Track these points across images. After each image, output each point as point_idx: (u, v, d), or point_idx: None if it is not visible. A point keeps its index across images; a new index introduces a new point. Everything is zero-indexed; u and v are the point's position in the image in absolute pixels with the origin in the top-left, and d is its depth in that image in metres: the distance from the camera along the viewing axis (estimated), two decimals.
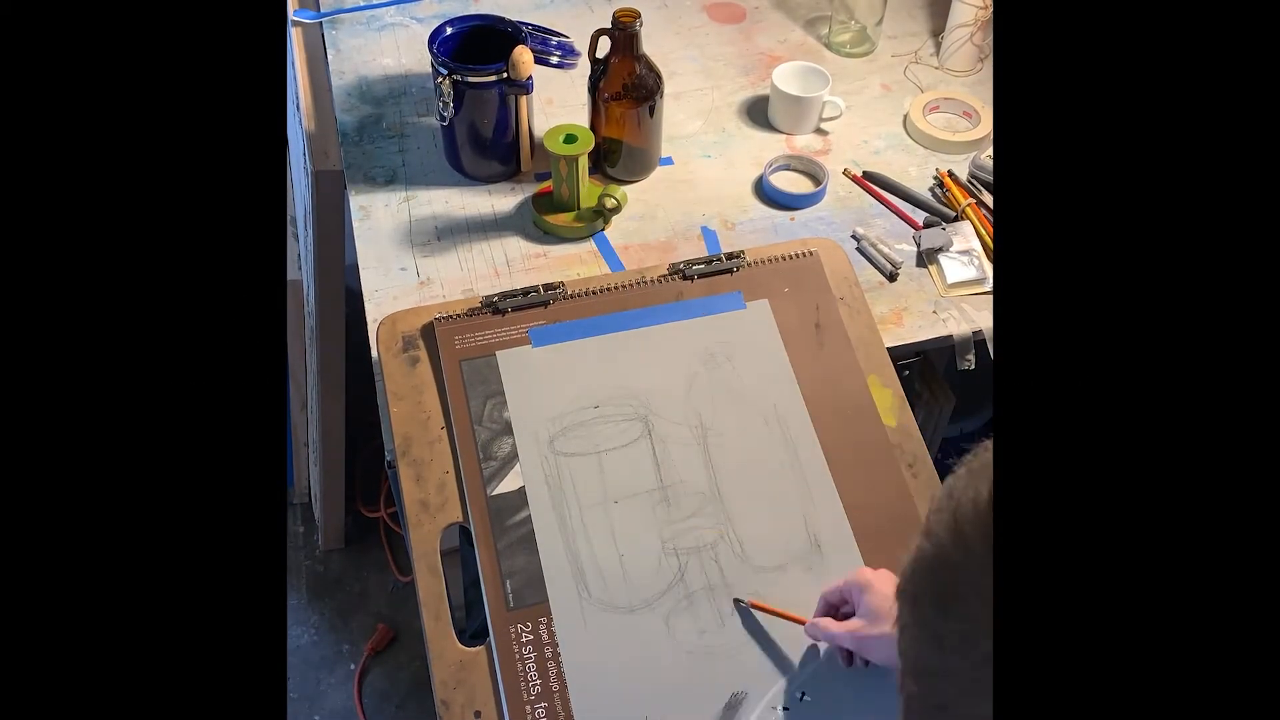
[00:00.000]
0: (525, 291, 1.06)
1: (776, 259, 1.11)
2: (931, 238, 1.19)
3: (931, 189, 1.27)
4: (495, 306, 1.05)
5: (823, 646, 0.91)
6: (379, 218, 1.20)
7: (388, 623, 1.76)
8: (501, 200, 1.23)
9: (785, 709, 0.89)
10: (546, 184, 1.21)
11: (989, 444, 0.51)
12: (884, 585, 0.85)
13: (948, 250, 1.17)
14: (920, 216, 1.24)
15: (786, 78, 1.32)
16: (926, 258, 1.18)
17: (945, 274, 1.16)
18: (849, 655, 0.89)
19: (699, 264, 1.09)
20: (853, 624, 0.86)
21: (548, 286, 1.07)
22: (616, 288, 1.08)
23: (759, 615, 0.92)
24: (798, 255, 1.11)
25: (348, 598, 1.81)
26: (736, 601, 0.92)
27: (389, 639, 1.75)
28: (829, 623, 0.88)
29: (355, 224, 1.20)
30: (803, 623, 0.90)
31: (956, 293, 1.16)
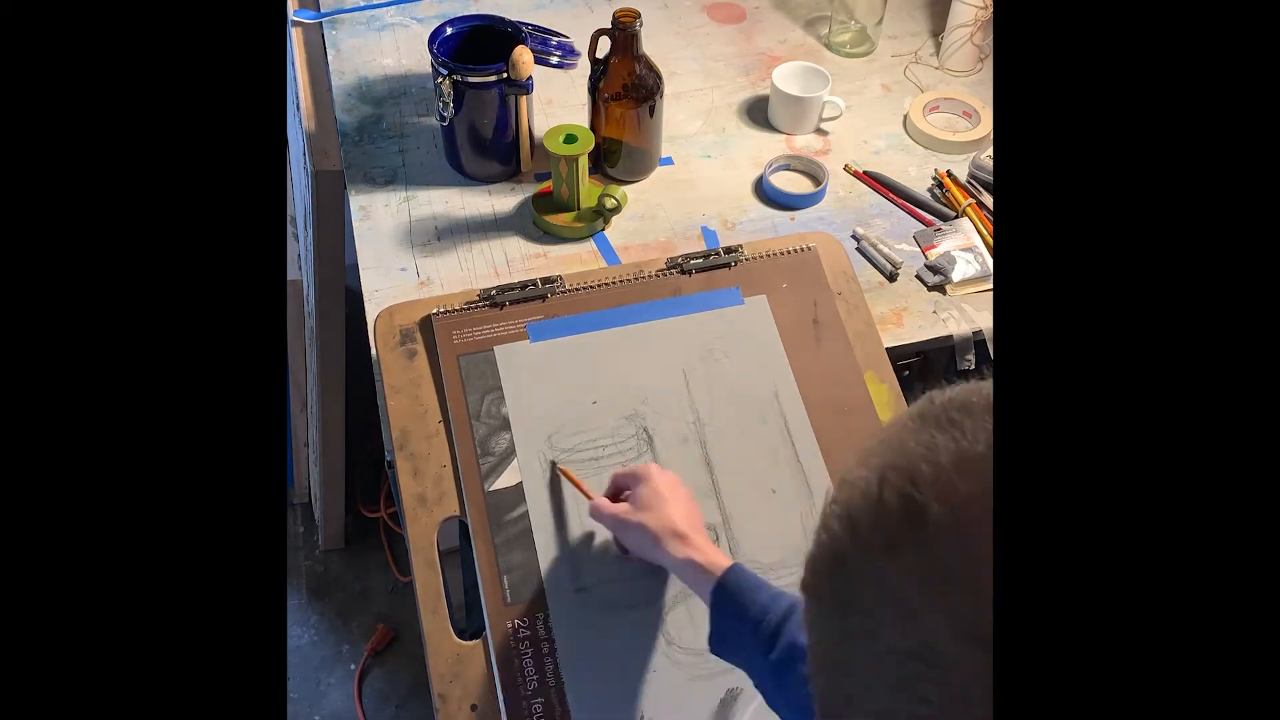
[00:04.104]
0: (523, 285, 1.06)
1: (774, 254, 1.11)
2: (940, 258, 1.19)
3: (931, 189, 1.27)
4: (493, 300, 1.05)
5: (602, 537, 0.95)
6: (379, 218, 1.20)
7: (388, 623, 1.76)
8: (501, 200, 1.23)
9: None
10: (546, 184, 1.21)
11: (877, 433, 0.50)
12: (662, 482, 0.89)
13: (950, 270, 1.17)
14: (920, 216, 1.24)
15: (786, 78, 1.32)
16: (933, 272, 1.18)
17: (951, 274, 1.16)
18: (620, 549, 0.93)
19: (697, 258, 1.10)
20: (619, 508, 0.89)
21: (545, 280, 1.07)
22: (614, 282, 1.08)
23: (566, 483, 0.96)
24: (796, 250, 1.11)
25: (348, 598, 1.81)
26: (553, 464, 0.98)
27: (389, 639, 1.75)
28: (603, 503, 0.91)
29: (355, 224, 1.20)
30: (591, 498, 0.94)
31: (959, 291, 1.16)
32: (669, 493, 0.88)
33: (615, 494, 0.93)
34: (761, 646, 0.78)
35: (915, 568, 0.45)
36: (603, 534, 0.95)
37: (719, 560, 0.83)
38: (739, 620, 0.80)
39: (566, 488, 0.96)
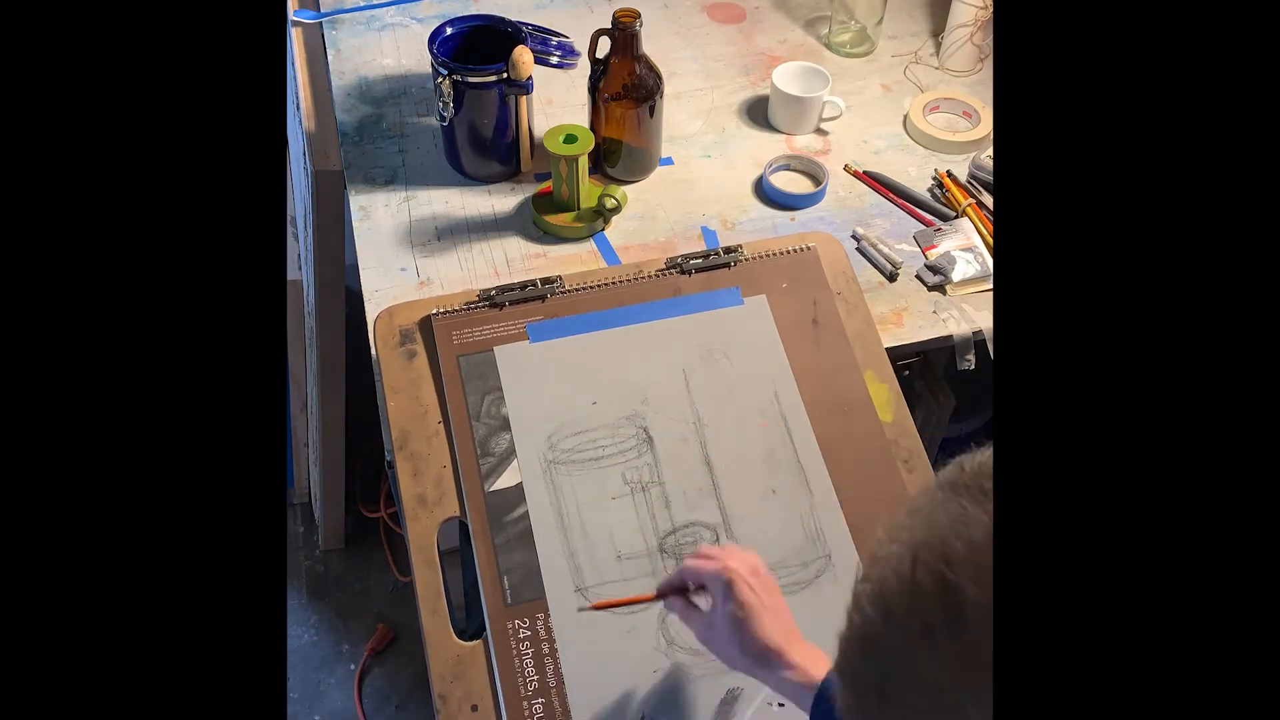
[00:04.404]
0: (523, 285, 1.06)
1: (774, 254, 1.11)
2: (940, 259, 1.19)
3: (931, 189, 1.27)
4: (493, 300, 1.05)
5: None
6: (379, 218, 1.20)
7: (388, 623, 1.76)
8: (501, 200, 1.23)
9: (780, 705, 0.89)
10: (546, 184, 1.21)
11: (908, 503, 0.48)
12: (746, 590, 0.78)
13: (950, 270, 1.17)
14: (920, 216, 1.24)
15: (786, 78, 1.32)
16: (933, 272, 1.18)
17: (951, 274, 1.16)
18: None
19: (696, 258, 1.10)
20: (704, 619, 0.80)
21: (545, 281, 1.07)
22: (614, 282, 1.08)
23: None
24: (795, 250, 1.11)
25: (348, 598, 1.81)
26: (580, 609, 0.91)
27: (389, 639, 1.75)
28: (681, 604, 0.82)
29: (355, 224, 1.20)
30: (650, 599, 0.85)
31: (959, 291, 1.16)
32: (758, 598, 0.78)
33: (680, 586, 0.83)
34: None
35: (955, 658, 0.43)
36: (601, 532, 0.95)
37: (815, 677, 0.76)
38: None
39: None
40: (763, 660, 0.77)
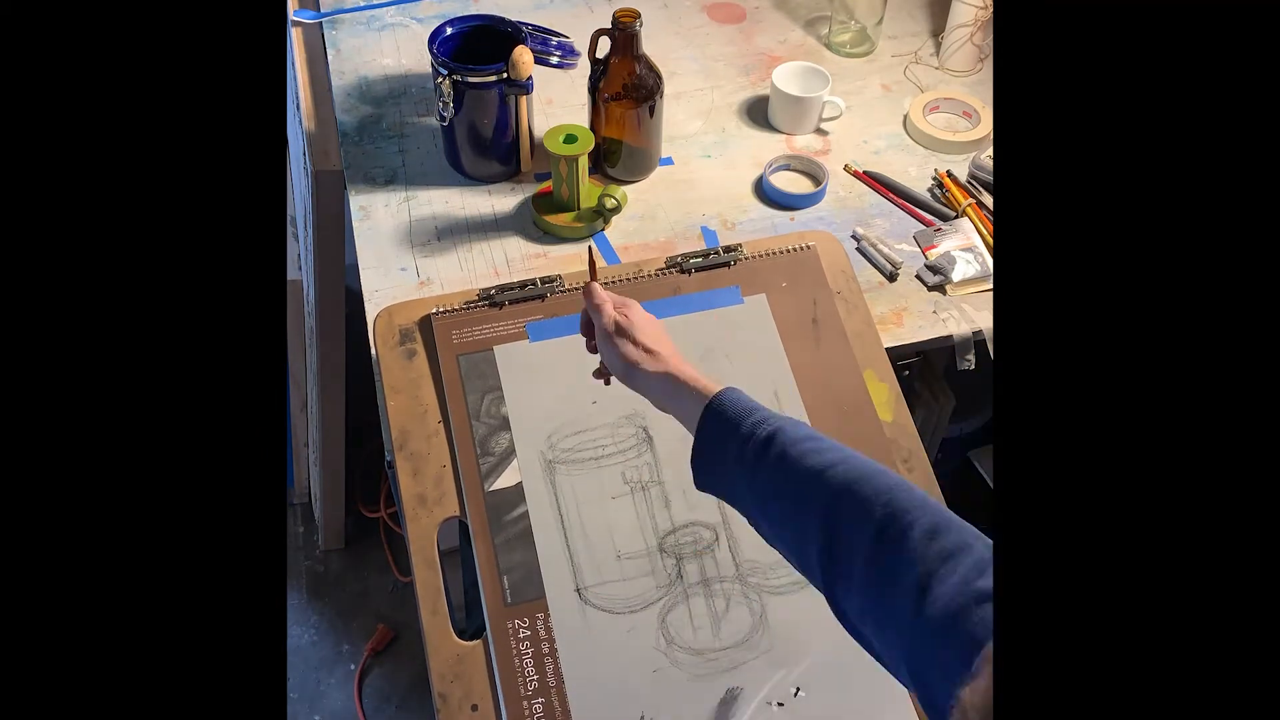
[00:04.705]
0: (523, 285, 1.06)
1: (774, 253, 1.11)
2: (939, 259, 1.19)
3: (931, 189, 1.27)
4: (493, 300, 1.05)
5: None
6: (379, 218, 1.20)
7: (388, 623, 1.76)
8: (501, 200, 1.23)
9: (780, 704, 0.89)
10: (546, 184, 1.21)
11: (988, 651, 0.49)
12: (632, 310, 0.87)
13: (950, 270, 1.17)
14: (920, 216, 1.24)
15: (786, 78, 1.32)
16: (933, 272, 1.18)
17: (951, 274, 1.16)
18: (602, 371, 0.90)
19: (696, 258, 1.10)
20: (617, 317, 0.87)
21: (545, 280, 1.07)
22: (614, 281, 1.08)
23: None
24: (795, 249, 1.11)
25: (348, 598, 1.81)
26: (590, 248, 0.97)
27: (389, 639, 1.75)
28: (603, 297, 0.88)
29: (355, 224, 1.20)
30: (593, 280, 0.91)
31: (959, 291, 1.16)
32: (641, 319, 0.87)
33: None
34: (748, 464, 0.75)
35: None
36: (600, 532, 0.95)
37: (709, 384, 0.80)
38: (726, 437, 0.77)
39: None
40: (670, 358, 0.83)
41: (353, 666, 1.73)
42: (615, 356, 0.86)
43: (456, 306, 1.05)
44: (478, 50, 1.18)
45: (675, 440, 1.00)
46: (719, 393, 0.78)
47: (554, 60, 1.39)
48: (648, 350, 0.84)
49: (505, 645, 0.90)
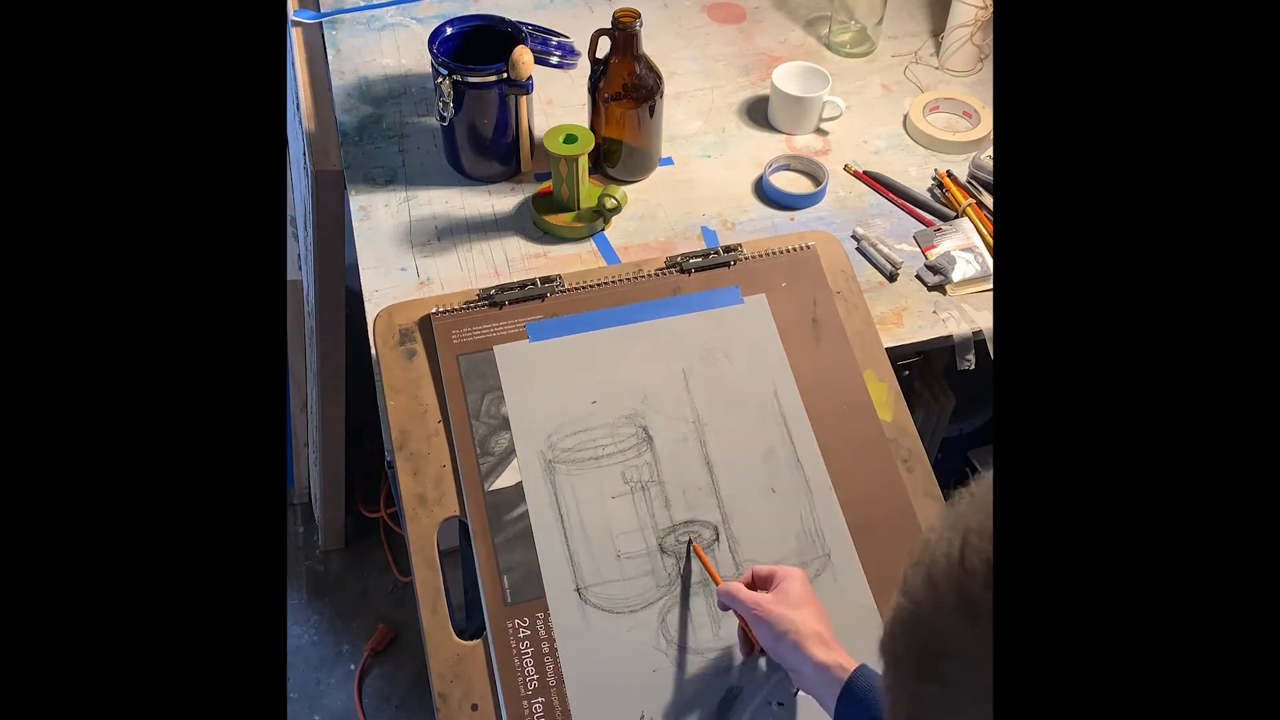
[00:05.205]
0: (522, 285, 1.06)
1: (774, 252, 1.11)
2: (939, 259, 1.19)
3: (931, 189, 1.27)
4: (492, 300, 1.05)
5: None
6: (379, 218, 1.20)
7: (388, 623, 1.76)
8: (501, 200, 1.23)
9: (780, 704, 0.89)
10: (546, 184, 1.21)
11: (964, 491, 0.49)
12: (807, 587, 0.86)
13: (950, 270, 1.17)
14: (920, 216, 1.24)
15: (786, 78, 1.32)
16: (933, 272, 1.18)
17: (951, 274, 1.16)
18: (749, 647, 0.89)
19: (696, 257, 1.10)
20: (760, 597, 0.85)
21: (545, 280, 1.07)
22: (613, 281, 1.08)
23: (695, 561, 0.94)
24: (795, 249, 1.11)
25: (348, 598, 1.81)
26: (689, 541, 0.95)
27: (389, 639, 1.75)
28: (738, 588, 0.87)
29: (355, 224, 1.20)
30: (718, 582, 0.90)
31: (959, 291, 1.16)
32: (812, 597, 0.86)
33: (750, 585, 0.89)
34: None
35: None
36: (600, 531, 0.95)
37: (850, 663, 0.81)
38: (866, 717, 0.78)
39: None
40: (812, 641, 0.82)
41: (353, 666, 1.73)
42: (772, 633, 0.84)
43: (456, 306, 1.05)
44: (478, 50, 1.18)
45: (675, 440, 1.00)
46: (854, 672, 0.79)
47: (554, 60, 1.39)
48: (817, 633, 0.82)
49: (505, 645, 0.90)
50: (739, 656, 0.91)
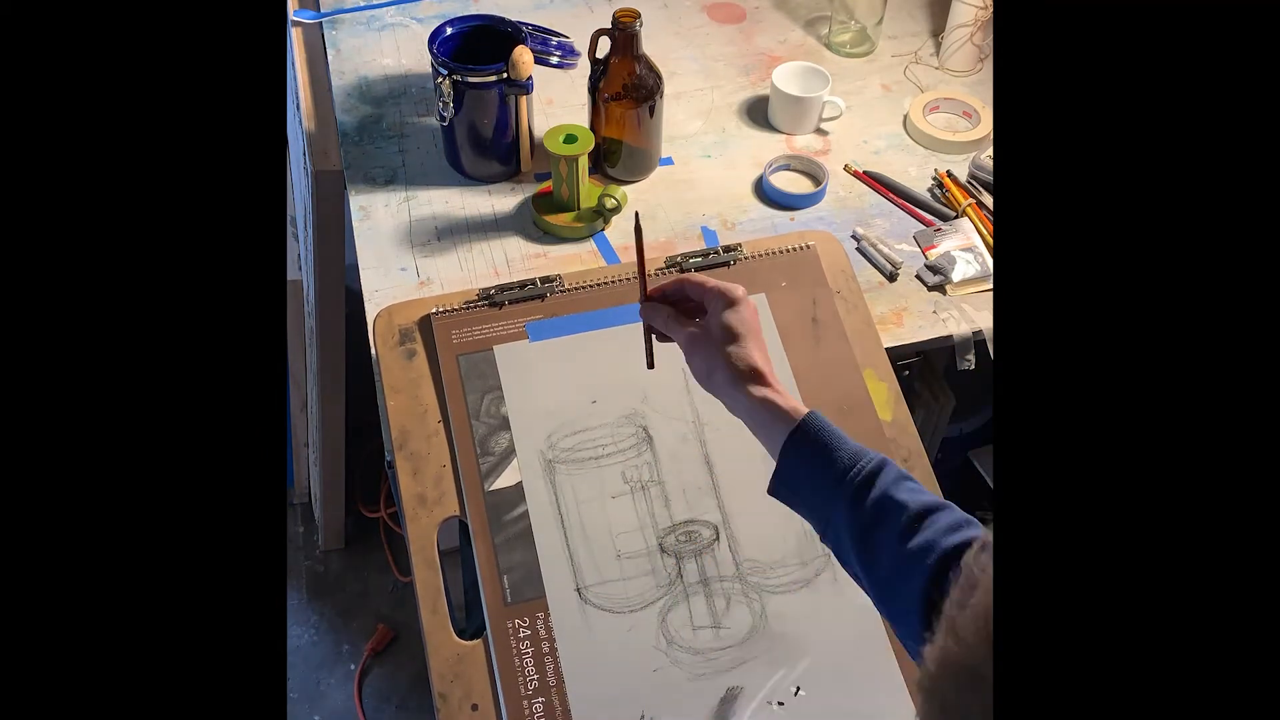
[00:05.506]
0: (522, 285, 1.06)
1: (773, 252, 1.11)
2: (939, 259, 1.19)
3: (931, 189, 1.27)
4: (492, 300, 1.05)
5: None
6: (379, 218, 1.20)
7: (388, 623, 1.76)
8: (501, 200, 1.23)
9: (780, 704, 0.89)
10: (546, 184, 1.21)
11: None
12: (749, 312, 0.82)
13: (950, 270, 1.17)
14: (920, 216, 1.24)
15: (786, 78, 1.32)
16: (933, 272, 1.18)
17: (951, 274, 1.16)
18: (652, 358, 0.86)
19: (696, 257, 1.10)
20: (693, 326, 0.82)
21: (545, 280, 1.07)
22: (613, 281, 1.08)
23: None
24: (795, 249, 1.11)
25: (348, 598, 1.81)
26: (636, 215, 0.88)
27: (389, 639, 1.75)
28: (668, 312, 0.83)
29: (355, 224, 1.20)
30: (646, 295, 0.86)
31: (959, 291, 1.16)
32: (754, 324, 0.81)
33: (678, 299, 0.84)
34: (846, 495, 0.74)
35: None
36: (600, 531, 0.95)
37: (799, 406, 0.78)
38: (820, 465, 0.76)
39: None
40: (748, 376, 0.79)
41: (353, 666, 1.73)
42: (705, 365, 0.81)
43: (456, 306, 1.05)
44: (478, 50, 1.18)
45: (675, 439, 1.00)
46: (805, 417, 0.77)
47: (554, 60, 1.39)
48: (753, 369, 0.79)
49: (505, 645, 0.90)
50: (739, 656, 0.91)
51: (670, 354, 1.05)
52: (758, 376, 0.79)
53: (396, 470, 0.97)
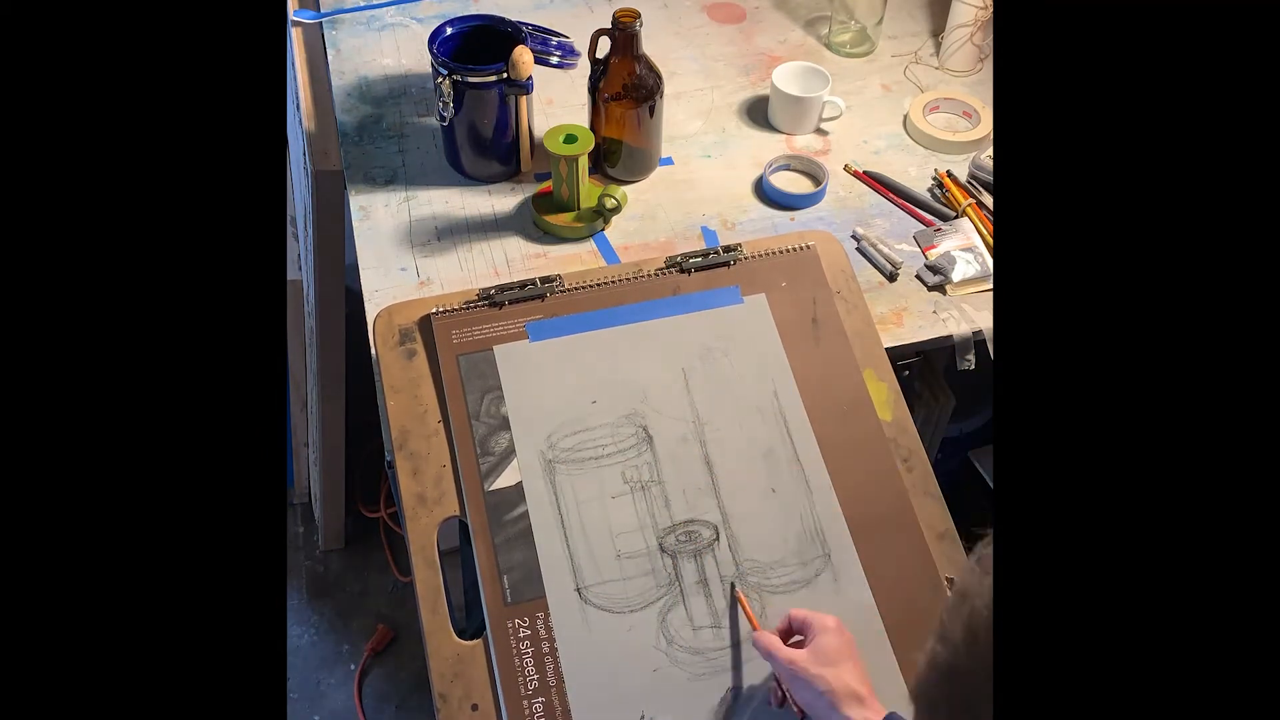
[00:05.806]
0: (522, 285, 1.06)
1: (773, 252, 1.11)
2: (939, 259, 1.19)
3: (931, 189, 1.27)
4: (492, 300, 1.05)
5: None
6: (379, 218, 1.20)
7: (388, 623, 1.76)
8: (501, 200, 1.23)
9: (780, 704, 0.89)
10: (546, 184, 1.21)
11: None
12: (845, 639, 0.85)
13: (950, 270, 1.17)
14: (920, 216, 1.24)
15: (786, 78, 1.32)
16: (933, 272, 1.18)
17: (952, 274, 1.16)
18: (781, 697, 0.88)
19: (696, 257, 1.10)
20: (796, 654, 0.84)
21: (545, 280, 1.07)
22: (613, 281, 1.08)
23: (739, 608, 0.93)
24: (795, 249, 1.11)
25: (348, 598, 1.81)
26: (733, 585, 0.93)
27: (389, 639, 1.75)
28: (774, 641, 0.86)
29: (355, 224, 1.20)
30: (756, 629, 0.89)
31: (959, 291, 1.16)
32: (849, 650, 0.85)
33: (784, 633, 0.88)
34: None
35: None
36: (600, 531, 0.95)
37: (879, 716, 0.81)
38: None
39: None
40: (848, 701, 0.81)
41: (353, 666, 1.73)
42: (808, 691, 0.83)
43: (456, 306, 1.05)
44: (478, 50, 1.18)
45: (675, 439, 1.00)
46: None
47: (554, 60, 1.39)
48: (854, 692, 0.81)
49: (505, 645, 0.90)
50: (739, 656, 0.91)
51: (670, 354, 1.06)
52: (858, 699, 0.82)
53: (396, 470, 0.97)
